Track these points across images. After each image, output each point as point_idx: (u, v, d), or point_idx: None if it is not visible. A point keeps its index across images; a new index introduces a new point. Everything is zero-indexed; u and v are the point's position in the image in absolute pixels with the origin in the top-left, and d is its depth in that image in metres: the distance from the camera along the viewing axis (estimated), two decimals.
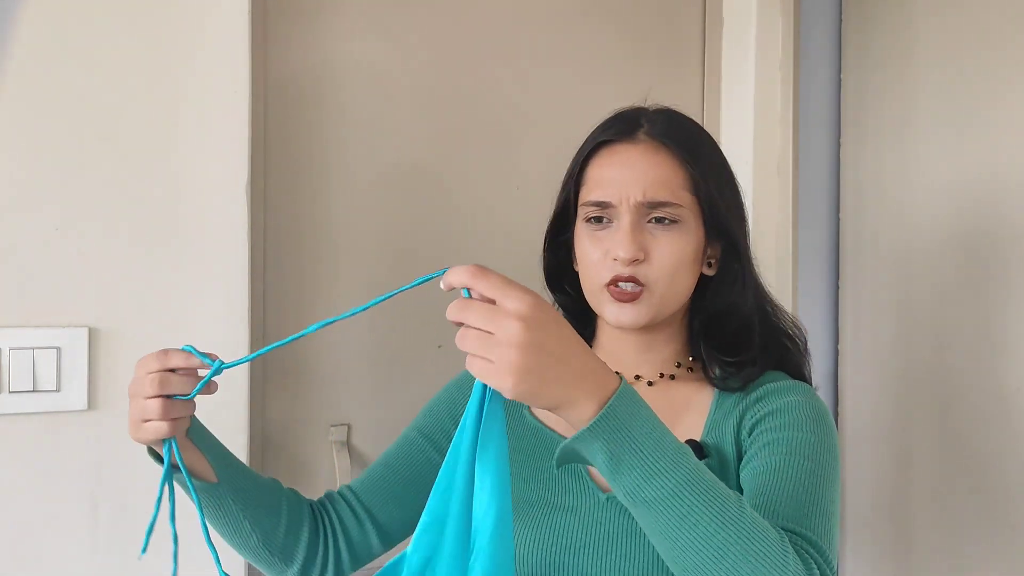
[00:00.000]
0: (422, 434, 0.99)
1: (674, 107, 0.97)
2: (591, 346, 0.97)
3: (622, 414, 0.64)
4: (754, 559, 0.65)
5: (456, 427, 0.76)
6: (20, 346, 0.98)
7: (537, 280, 0.98)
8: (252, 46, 1.09)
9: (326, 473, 1.24)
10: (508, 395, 0.62)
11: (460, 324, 0.64)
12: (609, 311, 0.90)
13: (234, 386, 1.07)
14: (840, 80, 1.65)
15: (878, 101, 1.57)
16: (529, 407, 0.97)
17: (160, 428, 0.74)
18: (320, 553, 0.92)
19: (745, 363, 0.92)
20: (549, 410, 0.64)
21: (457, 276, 0.64)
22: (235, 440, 1.07)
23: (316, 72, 1.23)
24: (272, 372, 1.20)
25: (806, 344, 1.00)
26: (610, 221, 0.90)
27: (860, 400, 1.61)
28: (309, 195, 1.23)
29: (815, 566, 0.69)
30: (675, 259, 0.88)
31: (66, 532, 1.01)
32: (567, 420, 0.65)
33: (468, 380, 1.01)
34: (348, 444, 1.25)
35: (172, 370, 0.75)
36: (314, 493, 0.96)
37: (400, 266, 1.27)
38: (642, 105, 0.96)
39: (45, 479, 1.00)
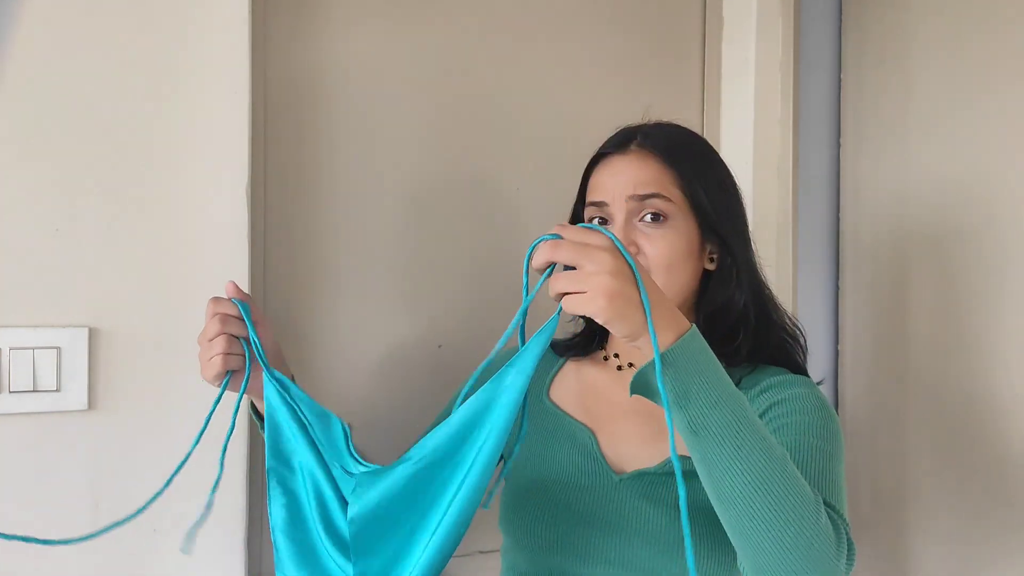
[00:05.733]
0: None
1: (676, 120, 1.04)
2: (604, 344, 1.07)
3: (695, 347, 0.70)
4: (794, 498, 0.69)
5: None
6: (20, 346, 0.98)
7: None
8: (252, 46, 1.09)
9: None
10: (601, 317, 0.67)
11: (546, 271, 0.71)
12: None
13: None
14: (840, 80, 1.65)
15: (878, 101, 1.57)
16: (548, 392, 1.05)
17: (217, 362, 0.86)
18: None
19: (731, 359, 0.95)
20: (630, 337, 0.69)
21: (539, 257, 0.70)
22: (236, 441, 1.07)
23: (316, 72, 1.23)
24: None
25: (806, 342, 1.03)
26: (608, 223, 0.96)
27: (860, 399, 1.61)
28: (309, 195, 1.22)
29: (840, 525, 0.74)
30: (667, 252, 0.93)
31: (66, 532, 1.01)
32: (644, 349, 0.70)
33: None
34: None
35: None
36: None
37: (400, 266, 1.27)
38: (643, 122, 1.03)
39: (45, 479, 1.00)
